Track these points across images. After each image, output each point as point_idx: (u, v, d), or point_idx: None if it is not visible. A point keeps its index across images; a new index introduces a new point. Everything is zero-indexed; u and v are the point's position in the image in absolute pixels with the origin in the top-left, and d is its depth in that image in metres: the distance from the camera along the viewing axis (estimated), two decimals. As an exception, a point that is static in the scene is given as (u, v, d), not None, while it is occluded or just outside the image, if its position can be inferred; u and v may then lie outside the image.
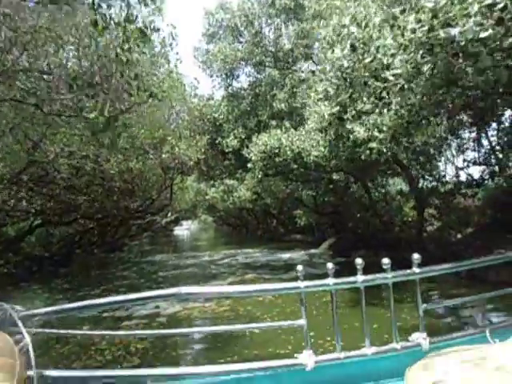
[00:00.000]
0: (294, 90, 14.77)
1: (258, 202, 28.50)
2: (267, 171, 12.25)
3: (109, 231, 31.86)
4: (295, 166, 11.72)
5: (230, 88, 13.81)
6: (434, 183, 15.04)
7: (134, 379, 1.95)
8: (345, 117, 7.17)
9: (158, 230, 44.62)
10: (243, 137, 13.21)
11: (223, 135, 13.44)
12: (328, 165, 12.05)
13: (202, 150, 13.10)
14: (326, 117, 8.37)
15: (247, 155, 12.72)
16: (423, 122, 8.78)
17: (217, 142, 13.60)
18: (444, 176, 14.67)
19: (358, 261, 1.94)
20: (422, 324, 2.02)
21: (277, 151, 11.62)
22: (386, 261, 1.96)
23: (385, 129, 6.36)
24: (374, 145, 6.64)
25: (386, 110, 6.35)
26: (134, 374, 1.98)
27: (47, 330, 1.90)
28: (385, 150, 6.96)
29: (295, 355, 1.92)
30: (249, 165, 12.33)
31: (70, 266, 21.71)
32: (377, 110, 6.48)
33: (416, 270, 1.97)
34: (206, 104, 13.42)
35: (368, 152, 7.13)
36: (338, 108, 7.58)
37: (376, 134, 6.32)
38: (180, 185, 18.77)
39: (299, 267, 1.91)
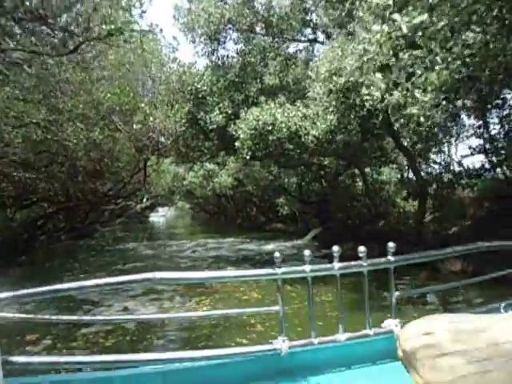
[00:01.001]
0: (288, 61, 12.84)
1: (239, 189, 26.63)
2: (256, 152, 10.34)
3: (78, 216, 29.29)
4: (290, 147, 9.86)
5: (214, 55, 11.71)
6: (437, 171, 13.55)
7: (108, 365, 1.89)
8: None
9: (132, 216, 41.99)
10: (230, 112, 11.18)
11: (206, 109, 11.37)
12: (327, 146, 10.28)
13: (182, 122, 11.00)
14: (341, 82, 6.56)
15: (234, 133, 10.75)
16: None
17: (198, 117, 11.51)
18: (449, 164, 13.15)
19: (335, 248, 2.00)
20: (394, 311, 2.04)
21: (270, 128, 9.71)
22: (361, 249, 2.00)
23: (430, 88, 4.61)
24: (414, 110, 4.88)
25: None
26: (106, 359, 1.91)
27: (13, 315, 1.76)
28: (422, 120, 5.20)
29: (270, 341, 1.92)
30: (236, 143, 10.35)
31: (31, 254, 19.29)
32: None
33: (391, 258, 2.02)
34: (186, 71, 11.31)
35: (403, 121, 5.36)
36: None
37: (418, 95, 4.55)
38: (155, 167, 16.56)
39: (276, 254, 1.96)
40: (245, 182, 24.71)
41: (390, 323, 2.04)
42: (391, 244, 2.03)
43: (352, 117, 7.43)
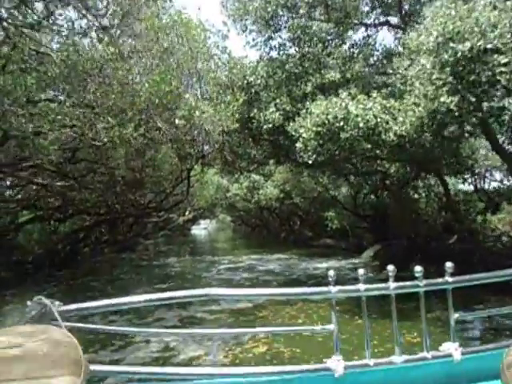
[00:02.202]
0: (354, 50, 10.74)
1: (286, 202, 24.53)
2: (321, 155, 8.22)
3: (121, 229, 28.41)
4: (368, 146, 7.65)
5: (269, 45, 9.80)
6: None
7: (157, 376, 1.87)
8: None
9: (174, 228, 41.03)
10: (288, 109, 9.17)
11: (260, 107, 9.44)
12: (410, 146, 8.00)
13: (235, 117, 9.10)
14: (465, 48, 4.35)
15: (293, 133, 8.71)
16: None
17: (251, 115, 9.57)
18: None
19: (390, 267, 1.84)
20: (454, 334, 1.89)
21: (341, 124, 7.59)
22: (418, 268, 1.87)
23: None
24: None
25: None
26: (156, 371, 1.94)
27: (84, 325, 1.77)
28: None
29: (324, 360, 1.82)
30: (297, 145, 8.30)
31: (72, 268, 18.09)
32: None
33: (449, 279, 1.88)
34: (237, 63, 9.49)
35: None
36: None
37: None
38: (199, 177, 14.84)
39: (331, 272, 1.83)
40: (292, 194, 22.59)
41: (449, 347, 1.82)
42: (449, 264, 1.83)
43: (473, 99, 5.19)
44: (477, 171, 14.69)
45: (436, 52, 5.13)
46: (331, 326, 1.86)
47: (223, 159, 14.52)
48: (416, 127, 7.09)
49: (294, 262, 17.03)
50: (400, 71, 7.15)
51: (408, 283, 1.89)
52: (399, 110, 7.99)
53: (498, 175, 16.71)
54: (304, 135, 8.16)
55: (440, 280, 1.89)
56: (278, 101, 9.31)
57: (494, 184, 17.31)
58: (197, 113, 7.64)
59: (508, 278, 1.95)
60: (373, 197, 20.35)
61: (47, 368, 0.68)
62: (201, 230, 50.95)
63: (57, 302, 1.54)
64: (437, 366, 1.86)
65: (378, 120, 7.37)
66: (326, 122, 7.58)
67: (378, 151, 7.76)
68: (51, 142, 9.59)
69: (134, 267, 18.01)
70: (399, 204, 14.59)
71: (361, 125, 7.39)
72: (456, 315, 1.91)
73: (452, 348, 1.85)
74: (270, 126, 9.21)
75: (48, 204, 13.23)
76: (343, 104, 7.83)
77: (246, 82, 9.51)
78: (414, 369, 1.89)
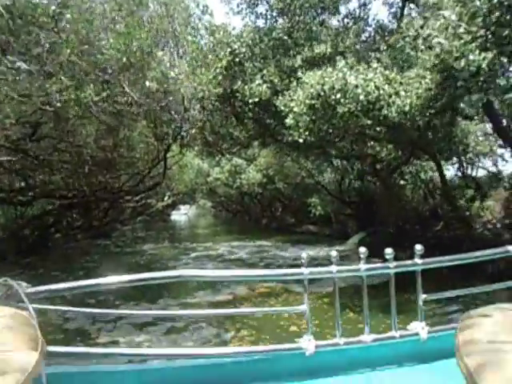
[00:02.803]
0: (348, 21, 9.68)
1: (268, 187, 23.58)
2: (313, 134, 7.23)
3: (97, 214, 26.92)
4: (367, 123, 6.69)
5: (254, 12, 8.65)
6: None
7: (136, 358, 1.91)
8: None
9: (153, 214, 39.59)
10: (276, 81, 8.10)
11: (245, 79, 8.32)
12: (414, 122, 7.09)
13: (219, 79, 7.93)
14: None
15: (283, 107, 7.68)
16: None
17: (235, 88, 8.44)
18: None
19: (362, 249, 1.88)
20: (421, 313, 1.94)
21: (339, 96, 6.59)
22: (388, 250, 1.89)
23: None
24: None
25: None
26: (135, 352, 1.98)
27: (52, 307, 1.78)
28: None
29: (295, 340, 1.87)
30: (287, 120, 7.26)
31: (42, 255, 16.68)
32: None
33: (418, 261, 1.91)
34: (220, 28, 8.29)
35: None
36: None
37: None
38: (177, 159, 13.64)
39: (303, 254, 1.84)
40: (275, 179, 21.63)
41: (417, 325, 1.89)
42: (419, 246, 1.87)
43: (505, 59, 4.32)
44: (468, 157, 14.04)
45: (463, 1, 4.20)
46: (303, 307, 1.86)
47: (203, 140, 13.36)
48: (424, 101, 6.18)
49: (277, 250, 16.17)
50: (410, 33, 6.19)
51: (378, 265, 1.91)
52: (401, 83, 7.06)
53: (487, 162, 16.16)
54: (295, 109, 7.12)
55: (409, 262, 1.90)
56: (264, 72, 8.21)
57: (482, 172, 16.76)
58: (172, 74, 6.45)
59: (475, 260, 1.97)
60: (358, 183, 19.64)
61: (4, 344, 0.69)
62: (181, 215, 49.60)
63: (24, 284, 1.49)
64: (404, 345, 1.89)
65: (381, 92, 6.41)
66: (322, 93, 6.56)
67: (377, 128, 6.83)
68: (6, 115, 8.24)
69: (106, 255, 16.76)
70: (388, 190, 13.86)
71: (361, 97, 6.41)
72: (424, 296, 1.93)
73: (419, 327, 1.87)
74: (256, 99, 8.11)
75: (9, 185, 11.82)
76: (340, 74, 6.83)
77: (229, 49, 8.35)
78: (382, 347, 1.91)
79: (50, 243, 19.94)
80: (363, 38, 11.05)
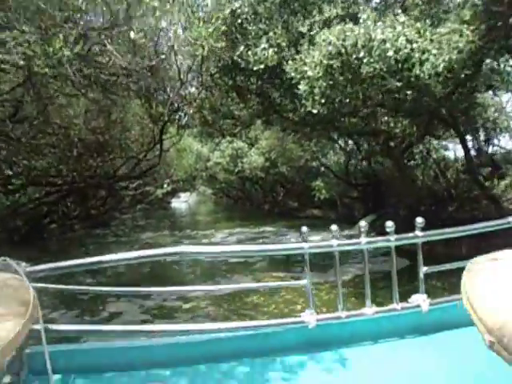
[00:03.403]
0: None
1: (271, 171, 22.48)
2: (332, 101, 6.14)
3: (95, 202, 25.90)
4: (397, 85, 5.59)
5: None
6: None
7: (137, 335, 1.88)
8: None
9: (153, 202, 38.55)
10: (284, 44, 6.95)
11: (248, 44, 7.16)
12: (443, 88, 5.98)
13: (222, 29, 6.76)
14: None
15: (294, 73, 6.55)
16: None
17: (237, 53, 7.28)
18: None
19: (362, 223, 1.88)
20: (422, 286, 1.92)
21: (362, 54, 5.48)
22: (389, 223, 1.88)
23: None
24: None
25: None
26: (136, 329, 1.91)
27: (52, 286, 1.77)
28: None
29: (298, 314, 1.86)
30: (301, 87, 6.15)
31: (36, 246, 15.70)
32: None
33: (419, 233, 1.89)
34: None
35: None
36: None
37: None
38: (175, 140, 12.51)
39: (304, 228, 1.84)
40: (277, 163, 20.51)
41: (418, 298, 1.90)
42: (419, 219, 1.86)
43: None
44: (486, 132, 12.98)
45: None
46: (304, 281, 1.84)
47: (202, 119, 12.22)
48: (466, 55, 5.08)
49: (281, 237, 15.19)
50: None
51: (379, 238, 1.94)
52: (431, 40, 5.93)
53: (502, 139, 15.02)
54: (309, 73, 6.00)
55: (410, 234, 1.89)
56: (270, 34, 7.03)
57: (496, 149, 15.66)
58: (163, 23, 5.32)
59: (476, 231, 1.93)
60: (365, 164, 18.59)
61: None
62: (181, 203, 48.57)
63: (23, 263, 1.47)
64: (406, 317, 1.88)
65: (414, 46, 5.30)
66: (343, 50, 5.44)
67: (408, 92, 5.72)
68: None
69: (103, 245, 15.76)
70: (400, 170, 12.82)
71: (389, 53, 5.29)
72: (425, 268, 1.90)
73: (420, 299, 1.87)
74: (262, 66, 6.95)
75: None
76: (362, 30, 5.68)
77: (229, 10, 7.16)
78: (383, 319, 1.89)
79: (45, 234, 18.99)
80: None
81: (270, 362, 1.80)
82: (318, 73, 5.97)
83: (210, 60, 8.95)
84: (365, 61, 5.54)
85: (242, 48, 7.13)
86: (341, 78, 5.82)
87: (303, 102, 6.71)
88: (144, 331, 1.88)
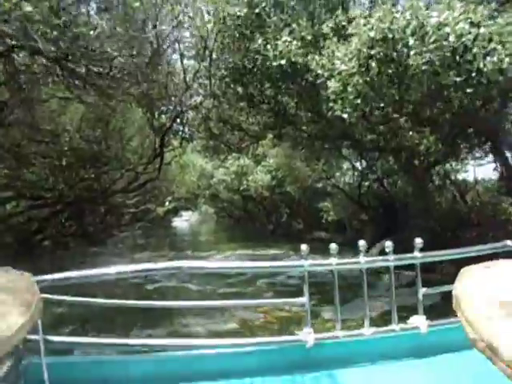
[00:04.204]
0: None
1: (276, 190, 21.22)
2: (369, 101, 4.96)
3: (92, 219, 24.63)
4: (455, 80, 4.39)
5: None
6: None
7: (136, 348, 1.84)
8: None
9: (154, 220, 37.23)
10: (309, 38, 5.81)
11: (267, 37, 6.03)
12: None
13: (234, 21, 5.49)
14: None
15: (320, 70, 5.39)
16: None
17: (254, 47, 6.14)
18: None
19: (361, 243, 1.82)
20: (421, 307, 1.88)
21: (413, 41, 4.31)
22: (388, 243, 1.87)
23: None
24: None
25: None
26: (135, 343, 1.91)
27: (55, 297, 1.72)
28: None
29: (296, 332, 1.83)
30: (332, 84, 4.96)
31: (26, 265, 14.31)
32: None
33: (417, 254, 1.87)
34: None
35: None
36: None
37: None
38: (176, 153, 11.31)
39: (303, 247, 1.80)
40: (285, 182, 19.29)
41: (417, 319, 1.85)
42: (418, 240, 1.86)
43: None
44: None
45: None
46: (303, 299, 1.79)
47: (208, 131, 11.07)
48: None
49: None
50: None
51: (379, 258, 1.96)
52: (490, 33, 4.78)
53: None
54: (342, 67, 4.84)
55: (409, 255, 1.87)
56: (294, 26, 5.92)
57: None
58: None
59: (474, 254, 1.88)
60: (377, 185, 17.40)
61: None
62: (183, 222, 47.21)
63: (26, 274, 1.44)
64: (404, 338, 1.83)
65: (481, 31, 4.14)
66: (390, 36, 4.28)
67: (468, 90, 4.52)
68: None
69: (97, 264, 14.39)
70: (422, 191, 11.55)
71: (451, 39, 4.13)
72: (423, 289, 1.86)
73: (419, 321, 1.82)
74: (283, 61, 5.80)
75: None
76: (407, 14, 4.55)
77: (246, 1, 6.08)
78: (382, 340, 1.84)
79: (37, 251, 17.65)
80: None
81: (268, 380, 1.76)
82: (353, 67, 4.80)
83: (219, 62, 7.83)
84: (415, 50, 4.38)
85: (260, 41, 6.00)
86: (382, 73, 4.63)
87: (331, 104, 5.51)
88: (143, 345, 1.82)
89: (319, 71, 5.45)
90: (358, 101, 4.83)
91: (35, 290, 0.80)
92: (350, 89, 4.91)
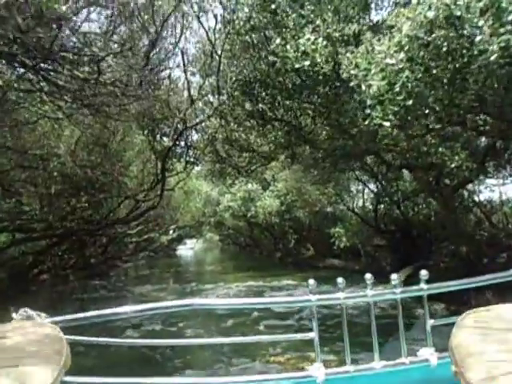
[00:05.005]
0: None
1: (285, 216, 19.99)
2: (418, 103, 3.90)
3: (94, 250, 23.40)
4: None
5: None
6: None
7: None
8: None
9: (158, 249, 35.85)
10: (336, 35, 4.80)
11: (285, 37, 5.05)
12: None
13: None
14: None
15: (353, 70, 4.38)
16: None
17: (269, 52, 5.13)
18: None
19: (367, 276, 1.75)
20: (430, 339, 1.83)
21: (482, 22, 3.31)
22: (394, 276, 1.78)
23: None
24: None
25: None
26: (151, 382, 1.94)
27: (70, 337, 1.34)
28: None
29: (305, 367, 1.79)
30: (374, 82, 3.93)
31: (21, 301, 13.01)
32: None
33: (424, 286, 1.79)
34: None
35: None
36: None
37: None
38: (178, 178, 10.23)
39: (311, 281, 1.70)
40: (294, 207, 18.13)
41: (426, 352, 1.76)
42: (424, 272, 1.75)
43: None
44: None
45: None
46: (312, 334, 1.80)
47: (214, 154, 10.03)
48: None
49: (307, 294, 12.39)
50: None
51: (386, 291, 1.85)
52: None
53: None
54: (388, 61, 3.81)
55: (415, 287, 1.83)
56: (318, 22, 4.94)
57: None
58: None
59: (482, 283, 1.86)
60: (393, 207, 16.21)
61: (25, 357, 0.66)
62: (187, 250, 45.71)
63: (43, 314, 1.43)
64: (414, 371, 1.82)
65: None
66: (457, 13, 3.24)
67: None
68: None
69: (96, 301, 13.02)
70: (450, 213, 10.34)
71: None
72: (432, 321, 1.84)
73: (428, 353, 1.80)
74: (307, 62, 4.77)
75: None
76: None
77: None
78: (392, 374, 1.85)
79: (34, 286, 16.36)
80: None
81: None
82: (402, 60, 3.75)
83: (227, 73, 6.87)
84: (485, 34, 3.34)
85: (278, 40, 5.00)
86: (441, 68, 3.58)
87: (368, 111, 4.42)
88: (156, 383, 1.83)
89: (352, 71, 4.42)
90: (410, 102, 3.76)
91: (61, 336, 0.75)
92: (397, 88, 3.85)
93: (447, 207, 10.09)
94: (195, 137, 9.97)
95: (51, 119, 7.37)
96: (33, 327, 0.75)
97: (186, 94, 7.99)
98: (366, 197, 15.75)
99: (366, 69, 4.30)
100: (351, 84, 4.63)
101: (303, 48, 4.72)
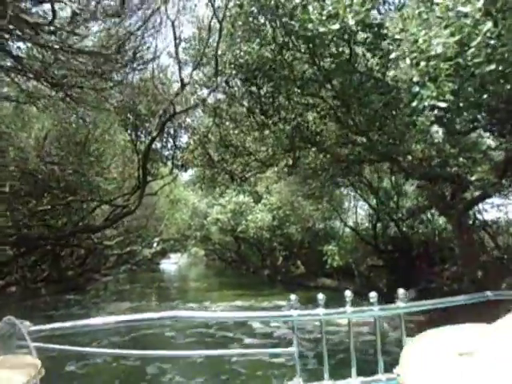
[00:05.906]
0: None
1: (277, 232, 18.65)
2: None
3: (71, 262, 21.56)
4: None
5: None
6: None
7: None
8: None
9: (141, 263, 33.86)
10: (362, 16, 3.69)
11: (295, 14, 3.89)
12: None
13: None
14: None
15: (399, 35, 3.26)
16: None
17: (286, 13, 3.97)
18: None
19: (347, 293, 1.83)
20: None
21: None
22: (372, 294, 1.86)
23: None
24: None
25: None
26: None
27: (51, 346, 1.66)
28: None
29: (286, 382, 1.93)
30: (432, 48, 2.82)
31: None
32: None
33: (401, 304, 1.87)
34: None
35: None
36: None
37: None
38: (163, 182, 8.87)
39: (292, 296, 1.77)
40: (287, 222, 16.82)
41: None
42: (401, 290, 1.83)
43: None
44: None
45: None
46: (292, 349, 1.82)
47: (205, 157, 8.73)
48: None
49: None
50: None
51: (364, 308, 1.85)
52: None
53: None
54: (461, 9, 2.68)
55: (393, 305, 1.86)
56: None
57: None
58: None
59: (455, 303, 1.90)
60: (392, 225, 15.13)
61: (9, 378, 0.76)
62: (171, 264, 43.57)
63: (27, 323, 1.48)
64: None
65: None
66: None
67: None
68: None
69: (67, 317, 11.38)
70: (461, 231, 9.25)
71: None
72: (408, 338, 1.88)
73: None
74: (337, 26, 3.58)
75: None
76: None
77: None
78: None
79: (1, 300, 14.56)
80: None
81: None
82: (480, 9, 2.62)
83: (224, 58, 5.70)
84: None
85: (297, 0, 3.83)
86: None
87: (416, 90, 3.25)
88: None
89: (397, 36, 3.29)
90: (492, 66, 2.60)
91: (36, 362, 0.83)
92: (460, 60, 2.71)
93: (459, 226, 8.98)
94: (185, 138, 8.65)
95: (12, 102, 5.96)
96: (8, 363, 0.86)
97: (174, 79, 6.70)
98: (363, 213, 14.61)
99: (413, 33, 3.15)
100: (392, 56, 3.46)
101: (331, 7, 3.56)
